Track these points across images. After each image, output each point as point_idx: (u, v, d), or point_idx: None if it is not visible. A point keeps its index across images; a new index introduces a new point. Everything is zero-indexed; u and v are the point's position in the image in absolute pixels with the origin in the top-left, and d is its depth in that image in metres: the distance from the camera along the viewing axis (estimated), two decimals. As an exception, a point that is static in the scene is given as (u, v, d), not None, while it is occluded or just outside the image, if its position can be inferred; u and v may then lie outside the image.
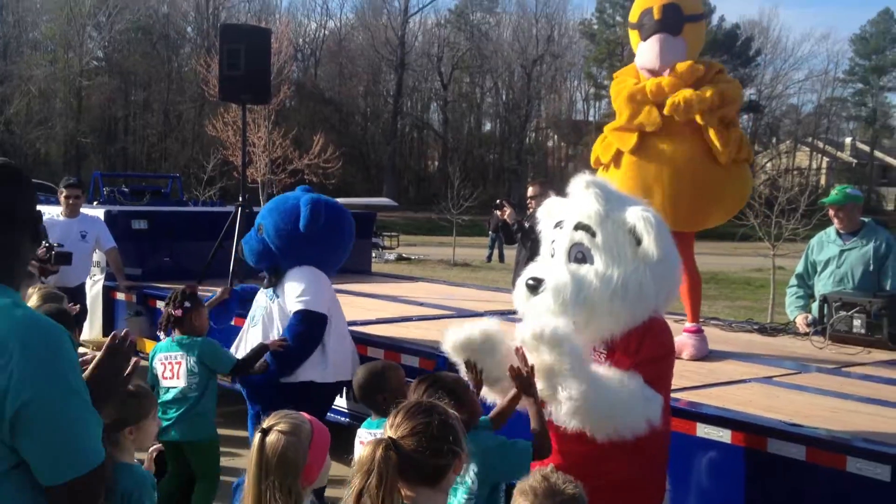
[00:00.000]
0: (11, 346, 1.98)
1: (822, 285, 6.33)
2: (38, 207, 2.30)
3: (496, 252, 28.16)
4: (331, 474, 2.89)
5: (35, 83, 49.70)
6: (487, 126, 69.02)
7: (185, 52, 57.28)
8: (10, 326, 2.01)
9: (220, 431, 5.43)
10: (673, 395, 3.87)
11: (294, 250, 5.49)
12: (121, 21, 53.04)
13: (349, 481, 2.44)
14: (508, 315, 6.34)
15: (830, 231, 6.49)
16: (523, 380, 3.38)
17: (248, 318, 5.69)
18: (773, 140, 69.28)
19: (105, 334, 7.67)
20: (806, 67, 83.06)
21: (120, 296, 8.36)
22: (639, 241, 3.48)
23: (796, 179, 49.61)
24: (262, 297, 5.64)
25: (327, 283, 5.59)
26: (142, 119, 54.23)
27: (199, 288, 7.43)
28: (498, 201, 8.20)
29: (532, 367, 3.38)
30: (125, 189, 11.96)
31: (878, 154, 72.17)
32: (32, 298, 5.22)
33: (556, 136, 67.91)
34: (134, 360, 2.43)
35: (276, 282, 5.53)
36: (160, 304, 7.73)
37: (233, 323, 6.26)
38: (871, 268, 6.21)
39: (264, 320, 5.50)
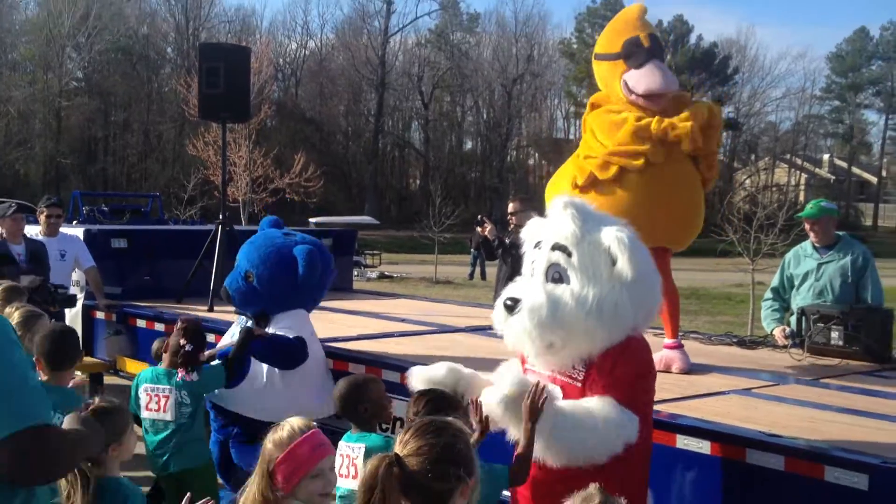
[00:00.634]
0: None
1: (802, 299, 6.35)
2: None
3: (478, 269, 28.18)
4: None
5: (14, 104, 49.45)
6: (468, 144, 69.25)
7: (166, 72, 57.20)
8: None
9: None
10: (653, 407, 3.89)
11: (288, 298, 5.64)
12: (100, 42, 52.92)
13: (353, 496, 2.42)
14: (488, 331, 6.36)
15: (806, 245, 6.53)
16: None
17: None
18: (752, 157, 69.86)
19: (87, 354, 7.62)
20: (783, 85, 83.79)
21: (100, 315, 8.31)
22: (614, 261, 3.51)
23: (775, 196, 49.89)
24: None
25: (310, 325, 5.77)
26: (122, 139, 54.03)
27: (180, 307, 7.45)
28: (479, 217, 8.23)
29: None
30: (105, 208, 11.90)
31: (855, 170, 72.88)
32: (13, 318, 5.17)
33: (536, 155, 68.16)
34: (79, 378, 2.53)
35: (263, 325, 5.60)
36: (140, 323, 7.72)
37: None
38: (850, 280, 6.26)
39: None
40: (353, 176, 61.47)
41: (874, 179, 74.06)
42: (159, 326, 7.55)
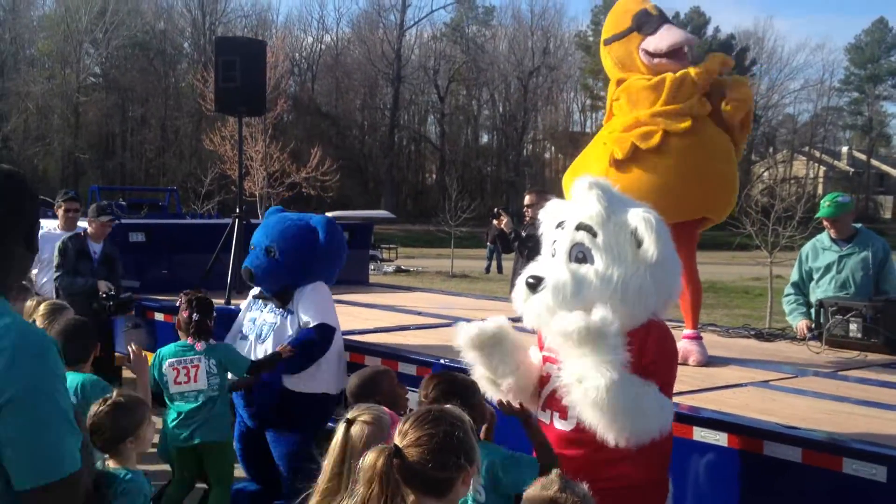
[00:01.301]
0: (2, 346, 2.01)
1: (822, 291, 6.31)
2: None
3: (494, 263, 28.18)
4: None
5: (32, 100, 49.82)
6: (484, 138, 69.24)
7: (182, 67, 57.46)
8: (3, 327, 2.04)
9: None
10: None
11: (310, 270, 5.66)
12: (118, 37, 53.20)
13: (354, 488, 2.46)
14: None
15: (823, 238, 6.47)
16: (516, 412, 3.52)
17: (250, 333, 5.71)
18: (770, 150, 69.47)
19: (103, 347, 7.65)
20: (801, 77, 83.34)
21: (118, 308, 8.35)
22: (639, 243, 3.49)
23: (793, 189, 49.66)
24: (268, 315, 5.67)
25: (331, 296, 5.81)
26: (139, 134, 54.33)
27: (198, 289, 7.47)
28: (495, 210, 8.22)
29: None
30: (123, 202, 11.98)
31: (874, 162, 72.39)
32: (38, 311, 5.23)
33: (553, 148, 68.08)
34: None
35: (287, 300, 5.62)
36: (158, 316, 7.75)
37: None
38: (871, 272, 6.23)
39: (276, 336, 5.55)
40: (370, 170, 61.59)
41: (893, 171, 73.53)
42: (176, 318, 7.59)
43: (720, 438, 3.85)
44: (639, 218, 3.50)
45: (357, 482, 2.42)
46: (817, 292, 6.36)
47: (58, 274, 7.43)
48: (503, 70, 63.76)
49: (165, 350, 5.36)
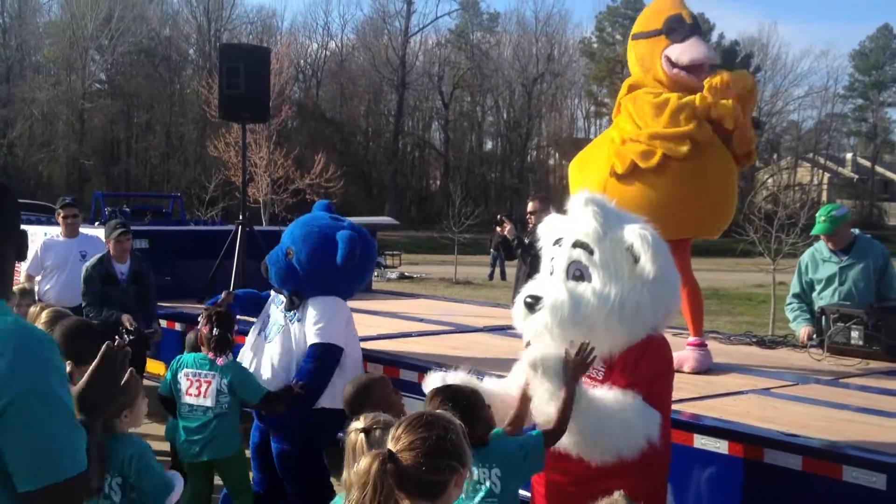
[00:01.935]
0: (3, 347, 2.02)
1: (825, 303, 6.28)
2: (26, 227, 2.38)
3: (498, 270, 28.15)
4: None
5: (38, 106, 49.94)
6: (489, 144, 69.24)
7: (187, 73, 57.56)
8: (4, 328, 2.06)
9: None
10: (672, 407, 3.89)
11: (324, 281, 5.51)
12: (123, 44, 53.33)
13: (348, 494, 2.51)
14: (507, 331, 6.37)
15: (822, 248, 6.43)
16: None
17: (260, 330, 5.64)
18: (774, 156, 69.38)
19: (95, 297, 7.65)
20: (806, 83, 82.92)
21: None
22: (636, 259, 3.50)
23: (797, 195, 49.55)
24: (279, 315, 5.57)
25: (346, 311, 5.62)
26: (144, 141, 54.41)
27: (201, 307, 7.48)
28: (498, 217, 8.23)
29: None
30: (127, 209, 12.00)
31: (879, 169, 72.24)
32: (41, 318, 5.25)
33: (557, 154, 68.04)
34: (130, 369, 2.46)
35: (297, 304, 5.52)
36: (161, 322, 7.76)
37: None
38: (872, 280, 6.22)
39: (283, 340, 5.44)
40: (374, 176, 61.61)
41: (898, 178, 73.41)
42: (180, 326, 7.61)
43: (721, 446, 3.86)
44: (635, 234, 3.51)
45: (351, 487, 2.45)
46: (820, 303, 6.33)
47: (85, 305, 7.17)
48: (507, 76, 63.79)
49: (186, 358, 5.34)
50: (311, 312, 5.41)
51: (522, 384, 3.66)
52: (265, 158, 28.75)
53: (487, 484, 3.35)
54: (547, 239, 3.78)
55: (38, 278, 8.16)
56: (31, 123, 50.30)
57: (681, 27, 5.19)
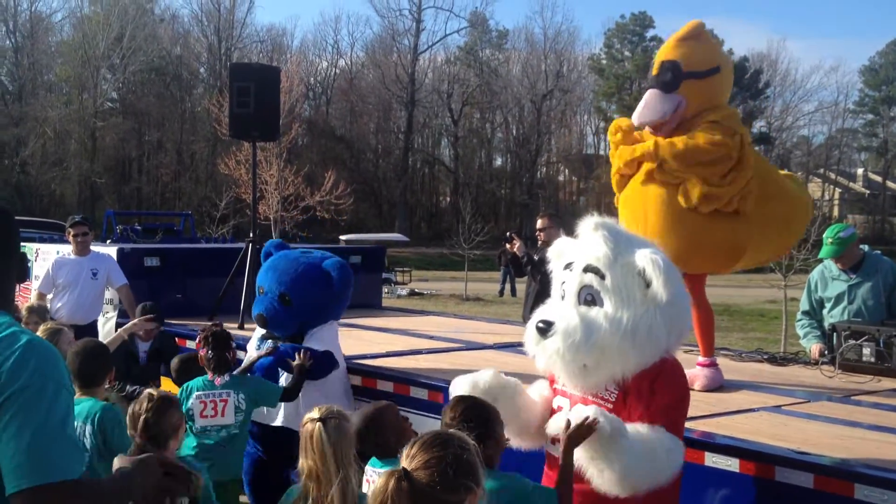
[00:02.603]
0: (17, 345, 2.08)
1: (836, 321, 6.26)
2: (39, 245, 2.46)
3: (508, 286, 28.16)
4: None
5: (50, 124, 50.31)
6: (498, 161, 69.39)
7: (198, 92, 57.93)
8: (18, 333, 2.12)
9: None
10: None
11: (324, 313, 5.80)
12: (134, 62, 53.74)
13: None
14: (517, 348, 6.36)
15: (831, 266, 6.40)
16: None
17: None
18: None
19: (118, 372, 7.70)
20: (816, 99, 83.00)
21: (132, 333, 8.39)
22: (648, 284, 3.50)
23: (808, 210, 49.46)
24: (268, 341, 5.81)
25: (337, 330, 5.97)
26: (155, 159, 54.72)
27: (215, 324, 7.51)
28: (508, 234, 8.25)
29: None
30: (138, 227, 12.04)
31: (890, 184, 72.00)
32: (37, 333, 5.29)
33: (566, 171, 68.15)
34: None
35: (298, 342, 5.73)
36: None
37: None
38: (882, 298, 6.20)
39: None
40: (384, 193, 61.77)
41: (909, 193, 73.17)
42: (191, 344, 7.61)
43: (732, 464, 3.84)
44: (647, 259, 3.50)
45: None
46: (830, 321, 6.31)
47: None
48: (516, 93, 63.96)
49: (193, 383, 5.33)
50: (313, 339, 5.70)
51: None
52: (275, 176, 28.85)
53: None
54: (557, 262, 3.78)
55: (49, 296, 8.19)
56: (44, 142, 50.65)
57: (649, 79, 5.21)
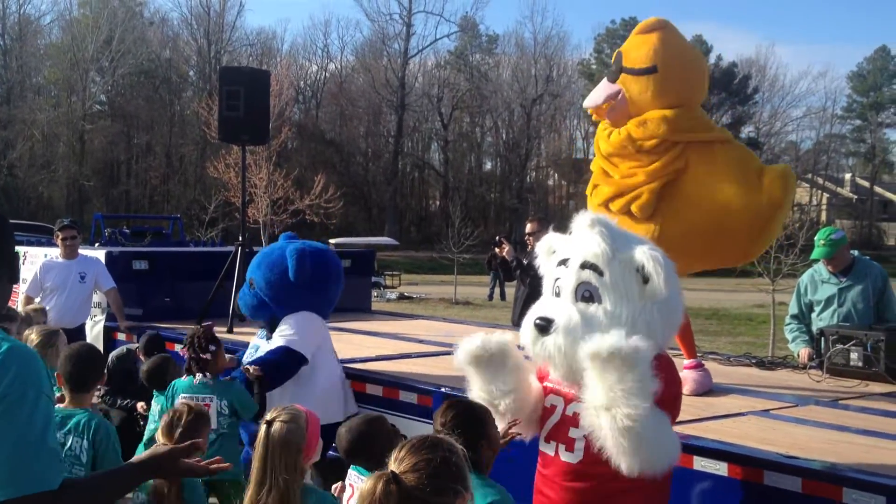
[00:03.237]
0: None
1: (825, 324, 6.27)
2: (27, 249, 2.41)
3: (498, 290, 28.16)
4: None
5: (38, 127, 50.11)
6: (488, 165, 69.42)
7: (188, 95, 57.78)
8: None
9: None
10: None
11: (286, 299, 5.66)
12: (124, 65, 53.60)
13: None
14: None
15: (821, 269, 6.45)
16: None
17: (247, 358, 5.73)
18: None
19: (116, 386, 7.66)
20: (804, 105, 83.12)
21: (121, 336, 8.37)
22: (645, 280, 3.50)
23: (796, 216, 49.72)
24: (263, 344, 5.71)
25: (319, 326, 5.73)
26: (144, 162, 54.55)
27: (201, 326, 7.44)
28: (497, 238, 8.24)
29: None
30: (126, 230, 12.01)
31: (877, 189, 72.40)
32: (31, 337, 5.27)
33: (556, 175, 68.17)
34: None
35: (275, 329, 5.68)
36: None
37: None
38: (871, 302, 6.23)
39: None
40: (373, 197, 61.71)
41: (897, 198, 73.58)
42: (180, 348, 7.58)
43: (720, 468, 3.85)
44: (646, 256, 3.50)
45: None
46: (819, 325, 6.33)
47: (103, 394, 6.97)
48: (506, 97, 64.01)
49: (180, 383, 5.34)
50: (280, 328, 5.59)
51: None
52: (265, 179, 28.82)
53: None
54: (549, 258, 3.76)
55: (37, 300, 8.16)
56: (32, 145, 50.44)
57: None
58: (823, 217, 61.03)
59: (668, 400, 3.51)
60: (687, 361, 5.42)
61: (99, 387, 6.84)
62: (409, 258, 46.54)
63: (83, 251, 8.68)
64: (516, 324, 5.69)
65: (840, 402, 5.18)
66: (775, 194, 4.81)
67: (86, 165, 51.79)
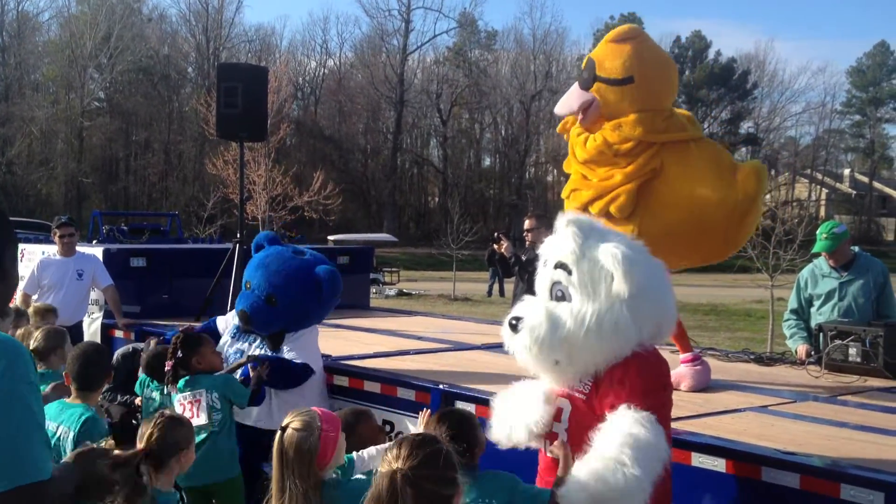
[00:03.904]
0: None
1: (825, 318, 6.28)
2: (24, 245, 2.38)
3: (497, 286, 28.16)
4: None
5: (37, 124, 50.07)
6: (487, 161, 69.43)
7: (186, 91, 57.74)
8: None
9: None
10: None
11: (308, 318, 5.75)
12: (122, 62, 53.53)
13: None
14: (502, 348, 6.35)
15: (821, 263, 6.46)
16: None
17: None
18: (772, 172, 69.51)
19: (119, 385, 7.65)
20: (803, 100, 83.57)
21: (118, 333, 8.36)
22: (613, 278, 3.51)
23: (795, 211, 49.64)
24: (257, 350, 5.68)
25: (317, 334, 5.90)
26: (143, 159, 54.52)
27: (198, 325, 7.41)
28: (495, 234, 8.23)
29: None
30: (124, 227, 11.99)
31: (876, 185, 72.44)
32: (36, 336, 5.26)
33: (555, 171, 68.11)
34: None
35: (278, 342, 5.66)
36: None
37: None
38: (872, 297, 6.23)
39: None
40: (372, 193, 61.72)
41: (895, 194, 73.57)
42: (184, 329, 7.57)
43: (718, 464, 3.84)
44: (606, 253, 3.50)
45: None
46: (819, 319, 6.33)
47: (107, 389, 7.17)
48: (505, 94, 64.00)
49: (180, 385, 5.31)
50: (293, 343, 5.63)
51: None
52: (264, 176, 28.77)
53: None
54: (541, 261, 3.81)
55: (34, 297, 8.15)
56: (30, 142, 50.40)
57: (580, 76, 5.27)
58: (822, 212, 61.06)
59: (643, 392, 3.45)
60: (682, 356, 5.39)
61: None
62: (408, 254, 46.55)
63: (81, 248, 8.66)
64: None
65: (838, 398, 5.18)
66: (749, 189, 4.85)
67: (84, 162, 51.76)
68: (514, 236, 8.61)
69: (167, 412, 3.78)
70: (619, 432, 3.29)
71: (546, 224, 8.01)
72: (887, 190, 74.30)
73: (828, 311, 6.34)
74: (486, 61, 66.94)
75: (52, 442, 4.03)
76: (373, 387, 5.61)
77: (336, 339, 7.13)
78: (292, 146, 52.61)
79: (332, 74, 65.86)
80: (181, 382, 5.17)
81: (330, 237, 32.50)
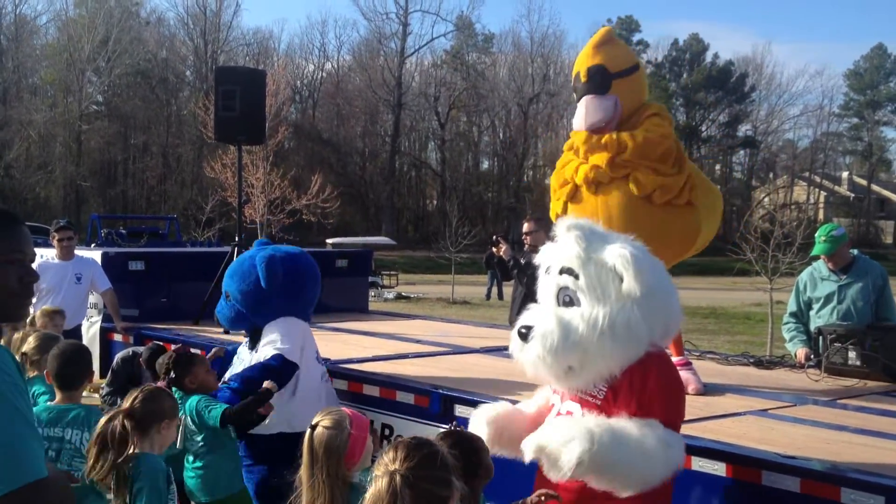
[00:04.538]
0: None
1: (824, 321, 6.27)
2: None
3: (495, 289, 28.15)
4: None
5: (35, 128, 50.02)
6: (485, 164, 69.39)
7: (184, 95, 57.73)
8: None
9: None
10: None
11: (263, 308, 5.48)
12: (120, 65, 53.51)
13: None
14: (504, 351, 6.34)
15: (820, 266, 6.45)
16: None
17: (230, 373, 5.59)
18: (770, 175, 69.64)
19: (102, 376, 7.64)
20: (801, 103, 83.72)
21: (117, 337, 8.35)
22: (622, 279, 3.50)
23: (794, 214, 49.68)
24: (245, 352, 5.61)
25: (302, 330, 5.54)
26: (141, 162, 54.49)
27: (197, 329, 7.40)
28: (494, 237, 8.22)
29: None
30: (123, 231, 11.98)
31: (874, 187, 72.49)
32: (29, 340, 5.25)
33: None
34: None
35: (257, 339, 5.50)
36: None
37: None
38: (871, 300, 6.22)
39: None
40: (370, 196, 61.69)
41: (894, 197, 73.62)
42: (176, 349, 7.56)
43: (719, 468, 3.83)
44: (615, 254, 3.50)
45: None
46: (818, 322, 6.32)
47: (105, 394, 6.97)
48: (503, 97, 64.01)
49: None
50: (266, 337, 5.40)
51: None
52: (262, 179, 28.76)
53: None
54: (542, 268, 3.79)
55: (33, 301, 8.12)
56: (28, 145, 50.35)
57: (579, 88, 5.31)
58: (821, 215, 61.10)
59: (662, 400, 3.48)
60: (676, 358, 5.38)
61: (103, 386, 6.90)
62: (407, 258, 46.52)
63: (80, 252, 8.65)
64: (513, 323, 5.68)
65: (838, 401, 5.17)
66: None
67: (82, 166, 51.71)
68: (512, 239, 8.59)
69: (151, 387, 3.94)
70: (654, 434, 3.39)
71: (545, 227, 8.00)
72: (885, 193, 74.35)
73: (827, 315, 6.32)
74: (484, 64, 66.97)
75: (68, 447, 4.09)
76: (372, 390, 5.60)
77: (335, 343, 7.12)
78: (290, 149, 52.58)
79: (329, 77, 65.89)
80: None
81: (328, 240, 32.51)
